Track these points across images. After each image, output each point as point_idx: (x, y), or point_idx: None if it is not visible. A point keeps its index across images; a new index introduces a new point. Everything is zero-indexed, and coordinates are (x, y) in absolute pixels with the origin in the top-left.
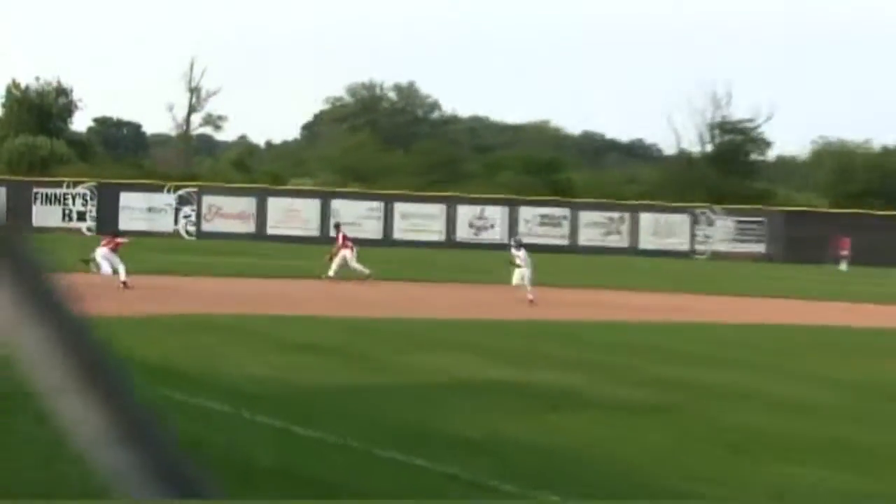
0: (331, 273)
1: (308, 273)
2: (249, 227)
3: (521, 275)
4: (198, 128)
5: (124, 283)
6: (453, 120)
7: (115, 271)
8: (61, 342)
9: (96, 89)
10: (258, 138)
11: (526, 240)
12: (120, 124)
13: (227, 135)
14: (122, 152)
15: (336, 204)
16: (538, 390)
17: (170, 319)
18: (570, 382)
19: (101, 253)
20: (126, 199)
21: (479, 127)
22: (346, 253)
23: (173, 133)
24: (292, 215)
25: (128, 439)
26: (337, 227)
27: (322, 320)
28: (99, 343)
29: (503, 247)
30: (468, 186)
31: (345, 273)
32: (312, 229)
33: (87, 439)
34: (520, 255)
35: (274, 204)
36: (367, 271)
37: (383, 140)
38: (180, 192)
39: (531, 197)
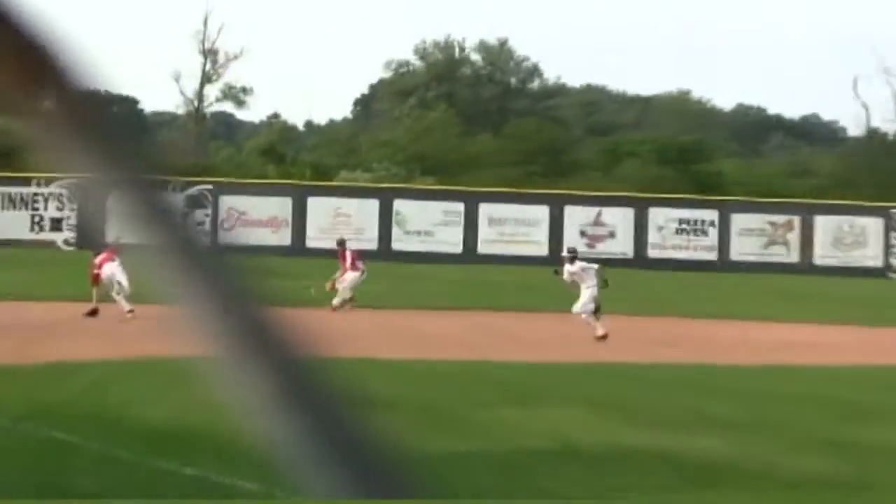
0: (344, 298)
1: (362, 301)
2: (283, 237)
3: (590, 297)
4: (214, 104)
5: (130, 312)
6: (560, 91)
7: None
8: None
9: (76, 51)
10: (295, 118)
11: (658, 253)
12: (110, 99)
13: (252, 113)
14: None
15: (400, 205)
16: (684, 458)
17: (178, 364)
18: (724, 448)
19: (110, 271)
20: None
21: (594, 100)
22: (351, 276)
23: (181, 111)
24: (341, 221)
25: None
26: (341, 244)
27: (381, 364)
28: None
29: (627, 262)
30: (580, 181)
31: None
32: (368, 240)
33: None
34: (574, 271)
35: (316, 206)
36: (349, 296)
37: (465, 119)
38: (190, 190)
39: (666, 195)
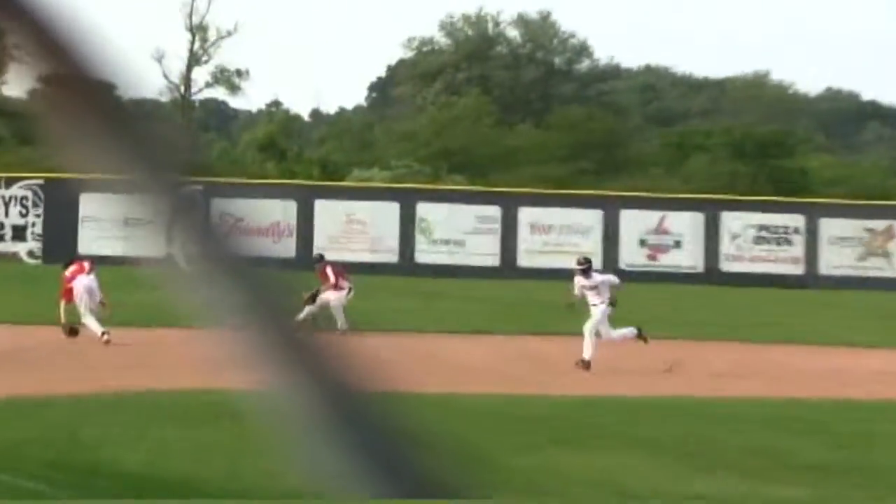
0: (342, 319)
1: (384, 323)
2: (286, 247)
3: (602, 314)
4: (203, 89)
5: (104, 335)
6: (614, 73)
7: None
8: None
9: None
10: (300, 106)
11: (735, 266)
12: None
13: (249, 101)
14: None
15: (424, 210)
16: None
17: (160, 399)
18: (812, 497)
19: (83, 285)
20: (89, 205)
21: (655, 84)
22: (334, 296)
23: (164, 98)
24: (355, 229)
25: (341, 423)
26: (319, 259)
27: (403, 400)
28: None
29: (697, 277)
30: (639, 180)
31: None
32: (387, 251)
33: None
34: (589, 285)
35: (326, 210)
36: (344, 325)
37: (501, 107)
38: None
39: (742, 197)
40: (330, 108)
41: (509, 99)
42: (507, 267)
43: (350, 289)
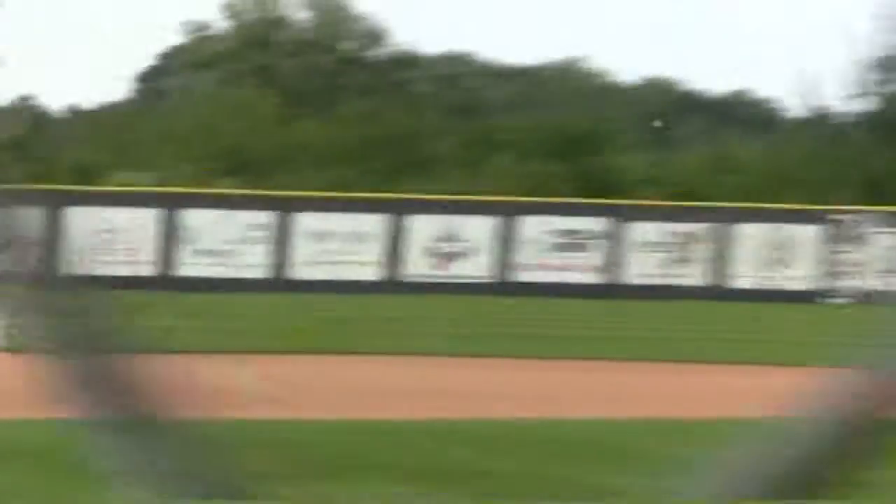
0: None
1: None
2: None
3: None
4: None
5: None
6: (412, 61)
7: None
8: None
9: None
10: (52, 100)
11: (529, 276)
12: None
13: None
14: None
15: (190, 217)
16: None
17: None
18: None
19: None
20: None
21: (457, 73)
22: None
23: None
24: (114, 239)
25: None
26: None
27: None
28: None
29: (487, 288)
30: (435, 182)
31: None
32: (145, 263)
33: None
34: None
35: (80, 219)
36: None
37: (285, 100)
38: None
39: (544, 199)
40: (88, 103)
41: (295, 91)
42: (281, 279)
43: None
